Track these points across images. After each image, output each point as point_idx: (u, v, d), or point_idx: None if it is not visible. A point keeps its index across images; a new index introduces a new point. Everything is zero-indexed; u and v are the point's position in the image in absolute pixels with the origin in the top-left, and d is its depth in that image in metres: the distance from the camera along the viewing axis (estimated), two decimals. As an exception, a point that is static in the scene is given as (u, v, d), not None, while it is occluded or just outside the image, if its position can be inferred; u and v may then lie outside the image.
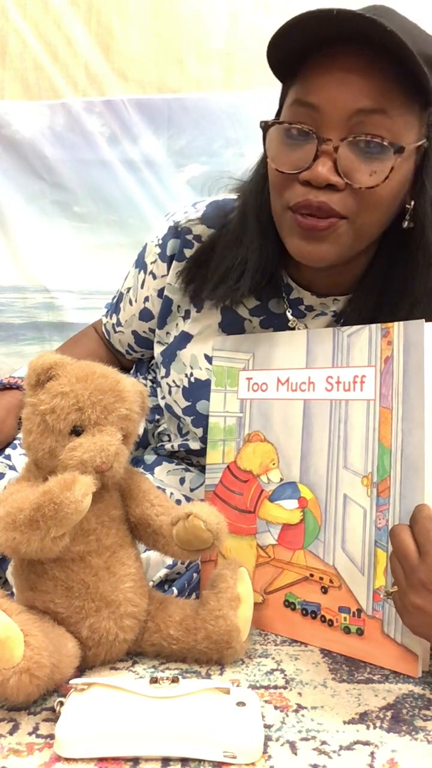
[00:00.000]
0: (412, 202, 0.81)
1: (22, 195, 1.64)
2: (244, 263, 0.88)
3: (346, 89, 0.73)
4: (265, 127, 0.79)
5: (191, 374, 0.97)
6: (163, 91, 1.62)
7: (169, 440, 1.06)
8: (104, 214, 1.64)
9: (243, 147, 1.58)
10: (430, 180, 0.80)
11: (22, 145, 1.63)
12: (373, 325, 0.77)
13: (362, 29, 0.69)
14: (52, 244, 1.65)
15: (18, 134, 1.63)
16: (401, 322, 0.74)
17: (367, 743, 0.60)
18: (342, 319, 0.91)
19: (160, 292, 1.00)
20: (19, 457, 0.92)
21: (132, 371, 1.13)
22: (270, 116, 0.83)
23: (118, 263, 1.14)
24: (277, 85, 0.82)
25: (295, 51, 0.74)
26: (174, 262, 0.97)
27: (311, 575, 0.79)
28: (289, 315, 0.92)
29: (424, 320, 0.72)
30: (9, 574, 0.84)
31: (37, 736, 0.61)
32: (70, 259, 1.65)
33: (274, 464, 0.84)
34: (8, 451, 0.94)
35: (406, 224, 0.81)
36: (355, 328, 0.78)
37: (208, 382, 0.94)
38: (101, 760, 0.57)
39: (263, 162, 0.85)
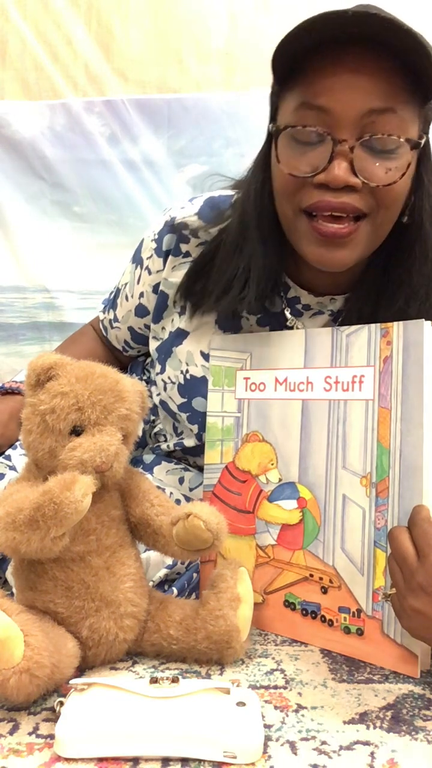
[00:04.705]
0: (413, 197, 0.81)
1: (22, 195, 1.65)
2: (247, 271, 0.86)
3: (356, 91, 0.73)
4: (277, 132, 0.78)
5: (187, 371, 0.97)
6: (163, 91, 1.62)
7: (165, 440, 1.06)
8: (104, 214, 1.65)
9: (243, 147, 1.58)
10: (427, 174, 0.82)
11: (22, 145, 1.63)
12: (372, 325, 0.76)
13: (380, 31, 0.69)
14: (52, 244, 1.65)
15: (18, 134, 1.63)
16: (401, 322, 0.74)
17: (367, 743, 0.60)
18: (340, 318, 0.91)
19: (155, 288, 1.00)
20: (19, 457, 0.92)
21: (127, 371, 1.13)
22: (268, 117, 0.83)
23: (117, 263, 1.14)
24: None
25: (300, 53, 0.74)
26: (170, 257, 0.97)
27: (311, 575, 0.79)
28: (287, 314, 0.92)
29: (423, 320, 0.72)
30: (9, 574, 0.84)
31: (37, 736, 0.61)
32: (70, 259, 1.65)
33: (272, 464, 0.84)
34: (8, 451, 0.94)
35: (406, 219, 0.82)
36: (354, 327, 0.78)
37: (204, 380, 0.94)
38: (101, 760, 0.57)
39: (262, 167, 0.85)
